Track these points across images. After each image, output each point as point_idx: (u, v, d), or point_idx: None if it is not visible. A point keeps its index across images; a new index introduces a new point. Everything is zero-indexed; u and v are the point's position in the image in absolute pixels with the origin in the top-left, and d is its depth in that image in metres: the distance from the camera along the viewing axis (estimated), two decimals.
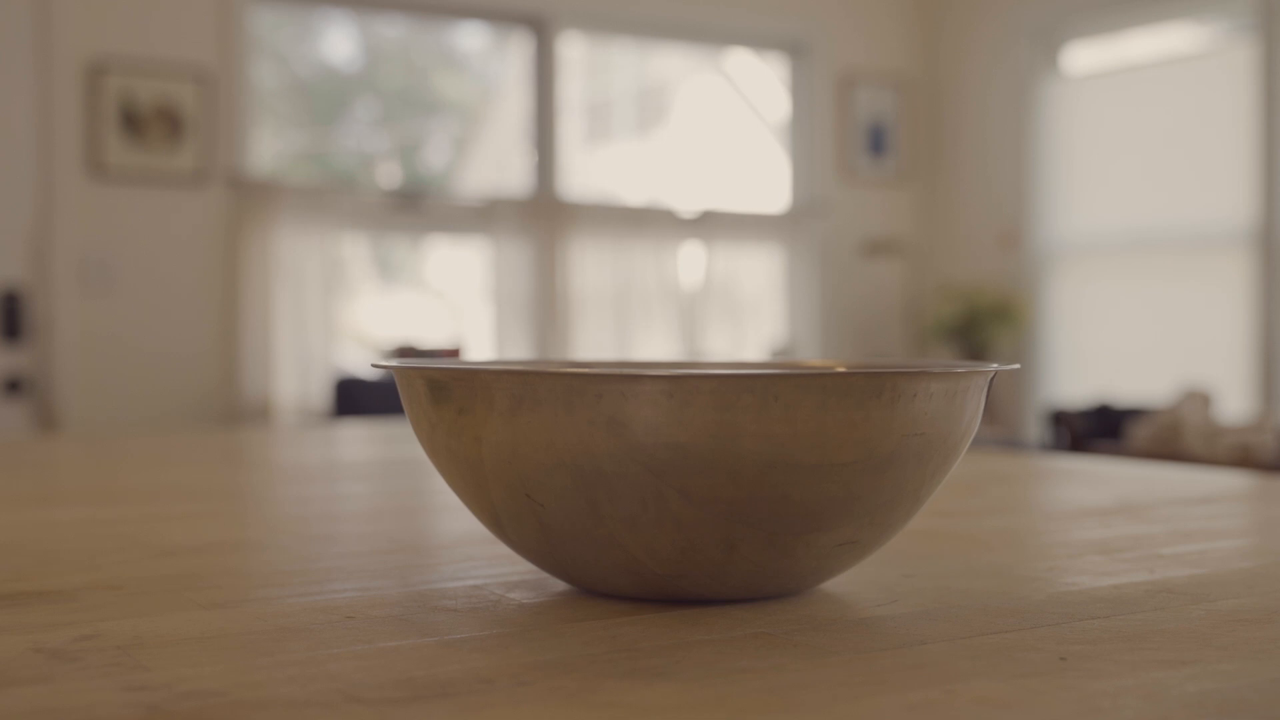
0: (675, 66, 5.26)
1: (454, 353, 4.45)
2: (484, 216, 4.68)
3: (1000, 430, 5.07)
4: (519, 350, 4.66)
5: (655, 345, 4.97)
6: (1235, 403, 4.56)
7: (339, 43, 4.85)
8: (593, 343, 4.84)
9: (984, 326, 5.05)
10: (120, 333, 3.95)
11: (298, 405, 4.29)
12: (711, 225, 5.09)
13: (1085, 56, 5.22)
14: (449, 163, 5.09)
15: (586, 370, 0.47)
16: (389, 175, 4.94)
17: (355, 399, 4.21)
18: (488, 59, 5.07)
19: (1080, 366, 5.18)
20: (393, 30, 4.81)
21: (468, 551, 0.67)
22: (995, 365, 0.52)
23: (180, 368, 4.05)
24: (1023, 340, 5.22)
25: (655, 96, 5.30)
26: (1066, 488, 1.07)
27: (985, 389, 0.53)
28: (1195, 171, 4.74)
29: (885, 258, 5.45)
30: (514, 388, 0.48)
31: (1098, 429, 4.54)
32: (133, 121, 3.93)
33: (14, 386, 3.78)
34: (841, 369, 0.65)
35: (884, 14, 5.45)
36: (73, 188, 3.88)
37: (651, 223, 4.99)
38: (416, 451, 1.21)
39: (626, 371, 0.46)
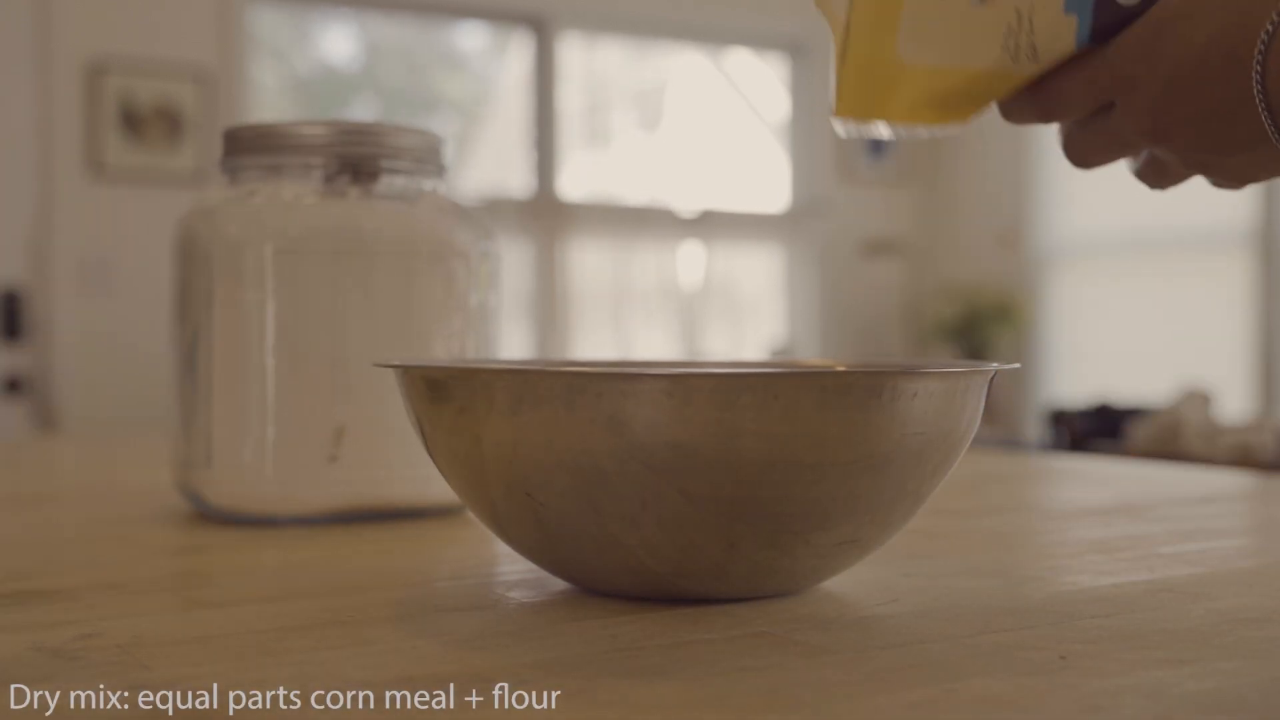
0: (675, 66, 5.26)
1: None
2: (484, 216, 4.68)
3: (1000, 430, 5.07)
4: (519, 350, 4.66)
5: (655, 345, 4.97)
6: (1235, 403, 4.56)
7: (339, 42, 4.85)
8: (592, 342, 4.84)
9: (984, 326, 5.05)
10: (120, 333, 3.94)
11: None
12: (711, 225, 5.09)
13: None
14: (449, 162, 5.09)
15: (587, 369, 0.47)
16: None
17: None
18: (488, 59, 5.07)
19: (1080, 366, 5.17)
20: (393, 29, 4.81)
21: (468, 551, 0.67)
22: (995, 365, 0.52)
23: None
24: (1022, 340, 5.22)
25: (655, 96, 5.30)
26: (1066, 488, 1.07)
27: (985, 389, 0.53)
28: None
29: (885, 258, 5.45)
30: (514, 386, 0.48)
31: (1097, 429, 4.54)
32: (132, 121, 3.93)
33: (14, 386, 3.78)
34: (841, 368, 0.65)
35: None
36: (72, 188, 3.88)
37: (651, 223, 4.99)
38: None
39: (627, 370, 0.46)
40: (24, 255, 3.83)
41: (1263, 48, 0.45)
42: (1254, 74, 0.45)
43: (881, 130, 0.53)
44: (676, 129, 5.20)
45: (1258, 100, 0.46)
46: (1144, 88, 0.49)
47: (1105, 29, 0.51)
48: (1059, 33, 0.51)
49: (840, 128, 0.53)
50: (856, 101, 0.53)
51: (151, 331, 4.01)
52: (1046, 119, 0.53)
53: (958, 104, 0.53)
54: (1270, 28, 0.45)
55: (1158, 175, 0.54)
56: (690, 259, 5.12)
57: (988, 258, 5.30)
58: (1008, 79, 0.52)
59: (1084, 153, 0.54)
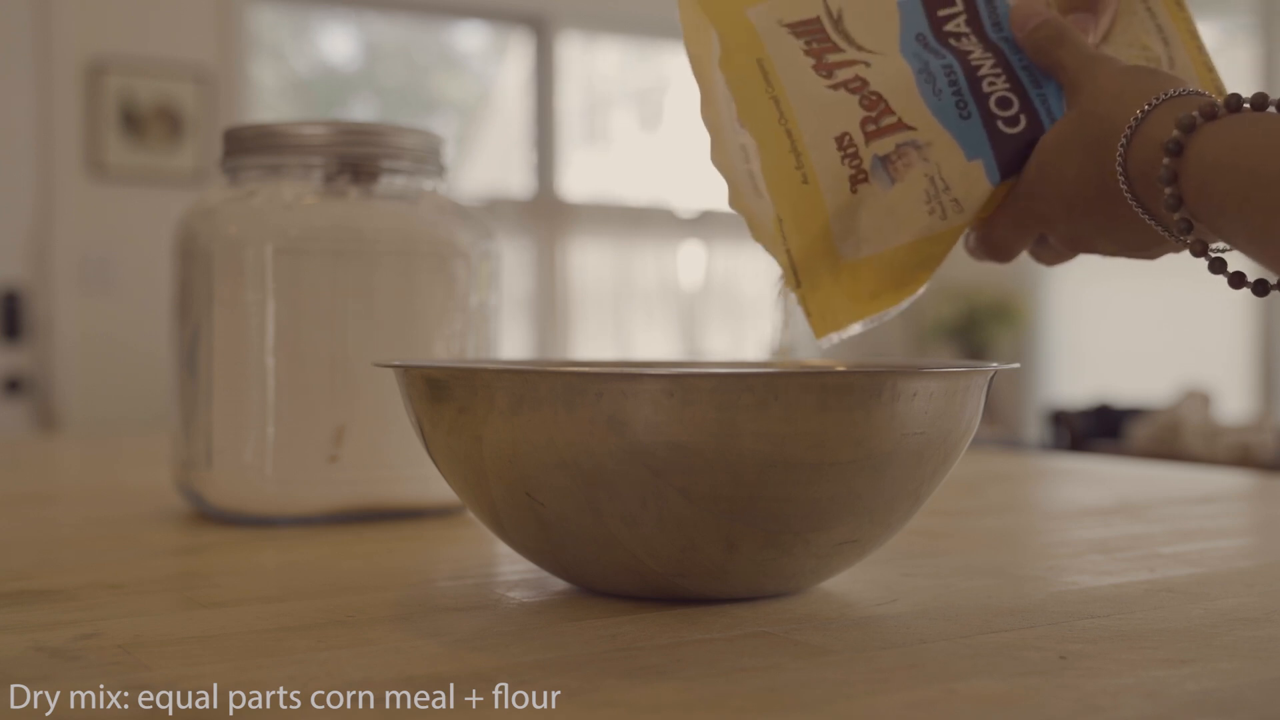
0: (675, 66, 5.26)
1: None
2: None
3: (1000, 430, 5.07)
4: (519, 350, 4.66)
5: (655, 345, 4.97)
6: (1235, 403, 4.56)
7: (338, 41, 4.85)
8: (593, 342, 4.84)
9: (984, 326, 5.04)
10: (120, 333, 3.94)
11: None
12: (711, 225, 5.09)
13: None
14: (449, 162, 5.08)
15: (587, 369, 0.47)
16: None
17: None
18: (487, 59, 5.06)
19: (1080, 366, 5.18)
20: (392, 29, 4.81)
21: (468, 551, 0.67)
22: (995, 365, 0.53)
23: None
24: (1023, 340, 5.22)
25: (655, 96, 5.29)
26: (1066, 488, 1.07)
27: (985, 389, 0.53)
28: None
29: None
30: (514, 387, 0.48)
31: (1097, 429, 4.54)
32: (133, 121, 3.93)
33: (14, 386, 3.78)
34: (841, 368, 0.66)
35: None
36: (73, 188, 3.87)
37: (651, 223, 4.98)
38: None
39: (627, 370, 0.46)
40: (24, 255, 3.83)
41: (1123, 172, 0.49)
42: (1126, 194, 0.49)
43: (858, 328, 0.55)
44: (676, 129, 5.20)
45: (1141, 214, 0.50)
46: (1055, 221, 0.54)
47: (1009, 161, 0.54)
48: (972, 181, 0.54)
49: (824, 343, 0.55)
50: (828, 317, 0.55)
51: (151, 331, 4.02)
52: (1002, 261, 0.58)
53: (911, 275, 0.56)
54: (1122, 152, 0.49)
55: (1052, 257, 0.59)
56: (690, 259, 5.12)
57: None
58: (946, 237, 0.55)
59: (1047, 262, 0.59)
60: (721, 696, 0.39)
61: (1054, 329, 5.27)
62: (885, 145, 0.54)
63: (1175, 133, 0.47)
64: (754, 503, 0.47)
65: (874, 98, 0.54)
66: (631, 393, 0.46)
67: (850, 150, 0.53)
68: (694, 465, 0.46)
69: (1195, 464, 3.40)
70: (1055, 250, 0.57)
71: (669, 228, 5.03)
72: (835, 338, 0.55)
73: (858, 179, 0.53)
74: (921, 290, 0.56)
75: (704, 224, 5.08)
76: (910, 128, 0.54)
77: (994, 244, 0.56)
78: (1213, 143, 0.46)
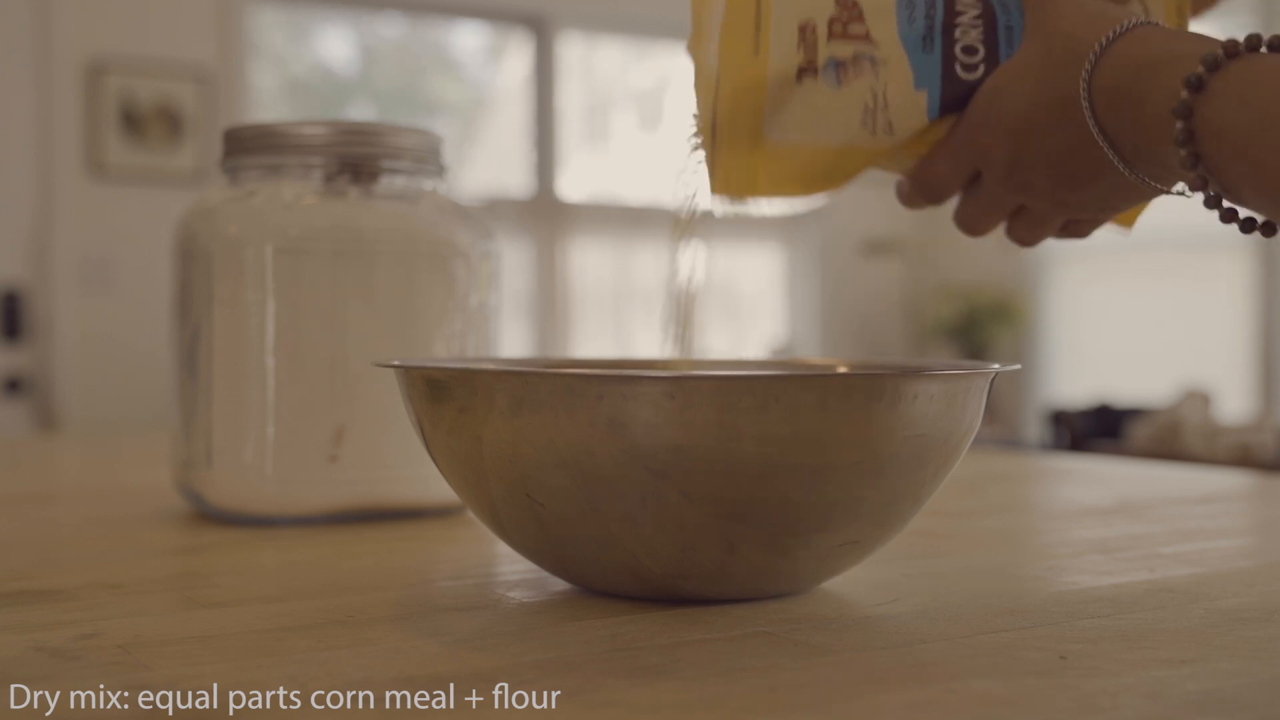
0: (675, 66, 5.26)
1: None
2: None
3: (1000, 430, 5.07)
4: (519, 350, 4.66)
5: (655, 345, 4.96)
6: (1235, 403, 4.56)
7: (336, 43, 4.85)
8: (593, 342, 4.84)
9: (984, 326, 5.04)
10: (120, 333, 3.94)
11: None
12: (711, 225, 5.09)
13: None
14: (448, 163, 5.07)
15: (587, 371, 0.47)
16: None
17: None
18: (487, 59, 5.06)
19: (1080, 366, 5.17)
20: (390, 30, 4.80)
21: (468, 551, 0.67)
22: (996, 366, 0.52)
23: None
24: (1023, 340, 5.22)
25: (655, 96, 5.29)
26: (1066, 488, 1.07)
27: (986, 389, 0.53)
28: None
29: (885, 257, 5.45)
30: (514, 387, 0.48)
31: (1097, 429, 4.54)
32: (133, 121, 3.93)
33: (14, 386, 3.78)
34: (842, 370, 0.66)
35: None
36: (73, 188, 3.87)
37: (651, 223, 4.98)
38: None
39: (627, 372, 0.46)
40: (24, 255, 3.83)
41: (1086, 86, 0.49)
42: (1085, 111, 0.50)
43: (755, 205, 0.56)
44: (676, 129, 5.20)
45: (1094, 131, 0.50)
46: (996, 150, 0.54)
47: (952, 101, 0.54)
48: (912, 108, 0.54)
49: (717, 205, 0.56)
50: (731, 180, 0.56)
51: (151, 331, 4.01)
52: (933, 201, 0.58)
53: (824, 177, 0.56)
54: (1089, 66, 0.49)
55: (1027, 229, 0.58)
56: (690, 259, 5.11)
57: (988, 258, 5.30)
58: (869, 153, 0.56)
59: (971, 221, 0.58)
60: (721, 696, 0.39)
61: (1054, 329, 5.27)
62: (844, 50, 0.54)
63: (1200, 69, 0.47)
64: (755, 505, 0.47)
65: (850, 3, 0.55)
66: (632, 395, 0.45)
67: (810, 41, 0.54)
68: (694, 468, 0.46)
69: (1195, 464, 3.40)
70: (991, 197, 0.56)
71: (669, 228, 5.03)
72: (726, 202, 0.56)
73: (806, 70, 0.54)
74: (823, 198, 0.57)
75: (704, 224, 5.07)
76: (874, 43, 0.54)
77: (928, 182, 0.56)
78: (1236, 81, 0.47)
